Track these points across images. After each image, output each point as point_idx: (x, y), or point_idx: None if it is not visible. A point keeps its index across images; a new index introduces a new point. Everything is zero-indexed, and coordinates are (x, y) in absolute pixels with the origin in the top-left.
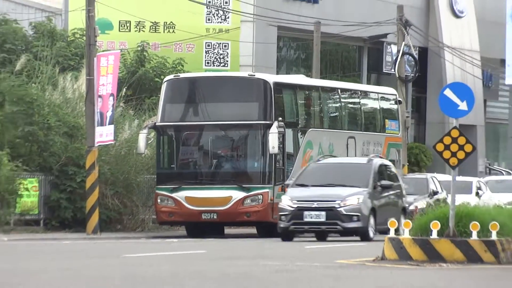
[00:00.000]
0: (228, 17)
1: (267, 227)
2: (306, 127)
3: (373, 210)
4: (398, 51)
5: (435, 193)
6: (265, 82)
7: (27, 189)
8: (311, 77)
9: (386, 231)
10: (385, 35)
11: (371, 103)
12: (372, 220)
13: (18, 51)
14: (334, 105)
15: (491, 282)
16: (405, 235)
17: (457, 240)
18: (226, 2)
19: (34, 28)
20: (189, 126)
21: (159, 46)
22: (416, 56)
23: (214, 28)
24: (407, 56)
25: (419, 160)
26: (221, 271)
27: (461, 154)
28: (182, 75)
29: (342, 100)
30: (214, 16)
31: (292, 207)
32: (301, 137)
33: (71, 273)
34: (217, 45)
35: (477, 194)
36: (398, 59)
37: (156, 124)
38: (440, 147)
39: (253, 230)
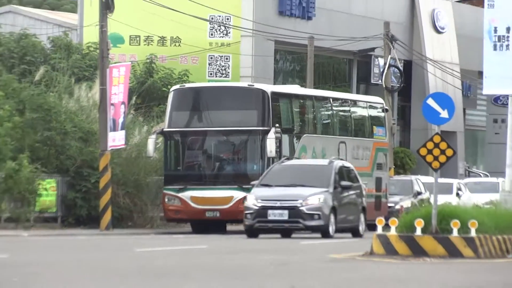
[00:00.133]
0: (229, 32)
1: None
2: (301, 133)
3: (333, 209)
4: (385, 64)
5: (419, 193)
6: (263, 92)
7: (45, 189)
8: (305, 87)
9: (344, 229)
10: (373, 49)
11: (360, 111)
12: (332, 218)
13: (37, 63)
14: (326, 112)
15: (470, 274)
16: (392, 232)
17: (439, 237)
18: (227, 19)
19: (52, 42)
20: (194, 131)
21: (166, 59)
22: (401, 68)
23: (216, 42)
24: (393, 68)
25: (404, 163)
26: (222, 264)
27: (442, 158)
28: (187, 85)
29: (333, 108)
30: (216, 31)
31: (257, 206)
32: (296, 142)
33: (86, 265)
34: (219, 58)
35: (457, 194)
36: (385, 71)
37: (164, 130)
38: (423, 151)
39: None
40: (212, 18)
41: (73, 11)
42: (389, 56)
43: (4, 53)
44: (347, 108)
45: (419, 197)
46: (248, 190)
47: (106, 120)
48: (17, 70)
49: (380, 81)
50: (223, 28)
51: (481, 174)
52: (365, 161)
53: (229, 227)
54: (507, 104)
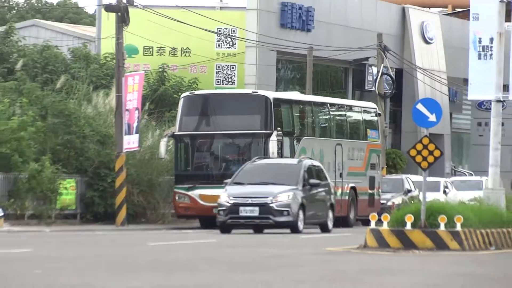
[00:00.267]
0: (235, 44)
1: None
2: (300, 136)
3: (302, 206)
4: (378, 72)
5: (409, 191)
6: (266, 98)
7: (66, 188)
8: (305, 94)
9: (314, 225)
10: (367, 59)
11: (355, 116)
12: (301, 215)
13: (58, 72)
14: (324, 117)
15: (456, 265)
16: (384, 226)
17: (427, 231)
18: (233, 31)
19: (72, 53)
20: (202, 135)
21: (177, 68)
22: (393, 76)
23: (223, 52)
24: (386, 76)
25: (395, 164)
26: (228, 257)
27: (431, 158)
28: (196, 92)
29: (331, 113)
30: (223, 43)
31: (229, 203)
32: (296, 144)
33: (103, 258)
34: (226, 67)
35: (444, 192)
36: (378, 79)
37: (175, 133)
38: (413, 152)
39: None
40: (219, 31)
41: (92, 25)
42: (382, 65)
43: (28, 63)
44: (343, 113)
45: (409, 194)
46: None
47: (122, 124)
48: (40, 79)
49: (373, 88)
50: (229, 39)
51: (466, 173)
52: (360, 161)
53: None
54: (490, 108)
